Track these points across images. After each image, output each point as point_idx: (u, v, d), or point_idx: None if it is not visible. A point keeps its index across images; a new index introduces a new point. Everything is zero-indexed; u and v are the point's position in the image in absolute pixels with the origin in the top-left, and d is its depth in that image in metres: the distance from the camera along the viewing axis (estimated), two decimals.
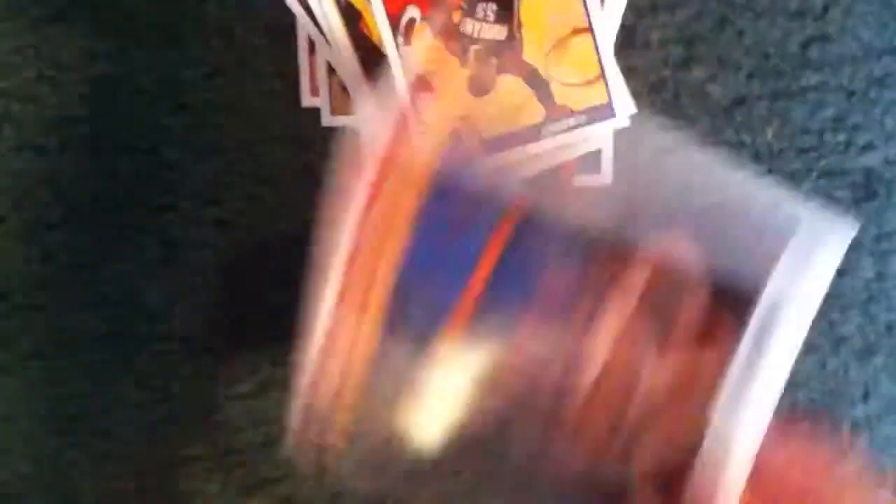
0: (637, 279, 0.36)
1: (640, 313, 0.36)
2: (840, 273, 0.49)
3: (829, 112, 0.49)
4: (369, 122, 0.46)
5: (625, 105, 0.48)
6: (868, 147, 0.49)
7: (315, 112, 0.49)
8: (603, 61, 0.48)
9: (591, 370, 0.36)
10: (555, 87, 0.48)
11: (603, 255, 0.38)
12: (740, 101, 0.49)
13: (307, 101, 0.48)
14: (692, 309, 0.36)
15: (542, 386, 0.37)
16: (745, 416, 0.33)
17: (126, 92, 0.50)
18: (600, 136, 0.48)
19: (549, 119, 0.48)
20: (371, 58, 0.47)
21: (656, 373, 0.35)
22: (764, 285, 0.34)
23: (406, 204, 0.37)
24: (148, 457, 0.53)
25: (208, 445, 0.52)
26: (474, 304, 0.37)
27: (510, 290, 0.37)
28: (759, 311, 0.34)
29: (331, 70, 0.48)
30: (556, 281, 0.37)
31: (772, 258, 0.35)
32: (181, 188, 0.51)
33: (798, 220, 0.37)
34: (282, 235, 0.51)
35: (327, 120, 0.48)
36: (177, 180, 0.51)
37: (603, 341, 0.36)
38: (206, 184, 0.50)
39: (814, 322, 0.49)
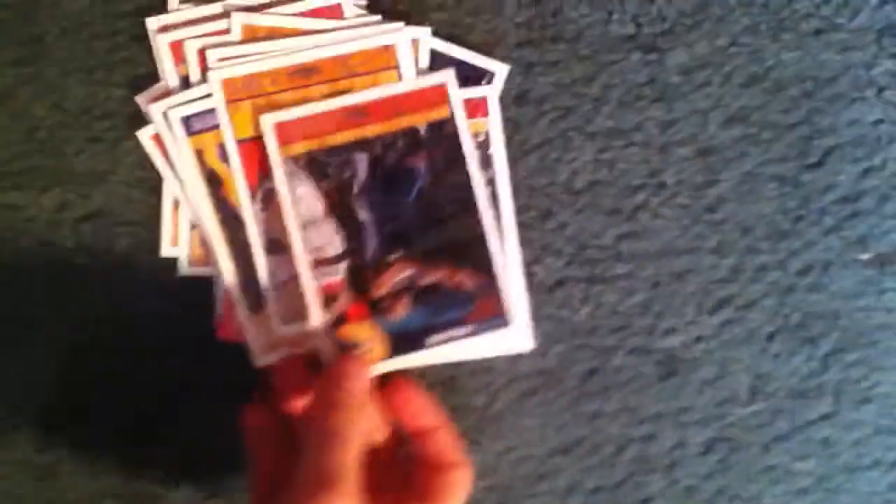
0: None
1: None
2: (646, 440, 0.55)
3: (638, 298, 0.54)
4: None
5: None
6: (670, 331, 0.55)
7: (173, 261, 0.52)
8: None
9: None
10: None
11: None
12: (560, 283, 0.54)
13: (167, 251, 0.52)
14: None
15: None
16: None
17: None
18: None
19: None
20: (230, 219, 0.50)
21: None
22: None
23: None
24: None
25: None
26: None
27: None
28: None
29: (192, 225, 0.51)
30: None
31: None
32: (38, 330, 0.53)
33: None
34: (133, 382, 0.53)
35: (184, 269, 0.52)
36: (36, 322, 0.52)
37: None
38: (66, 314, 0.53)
39: (620, 485, 0.54)
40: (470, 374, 0.54)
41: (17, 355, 0.52)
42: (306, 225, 0.50)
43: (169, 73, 0.51)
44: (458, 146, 0.51)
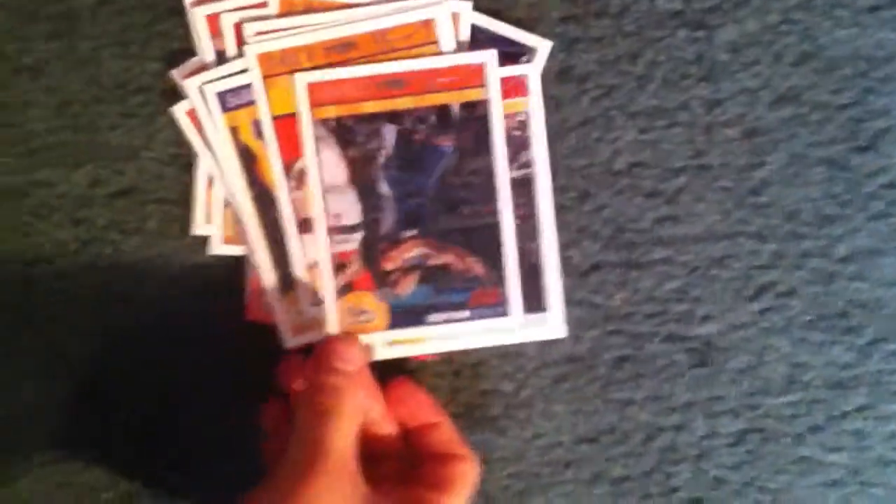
0: None
1: None
2: (676, 429, 0.54)
3: (674, 284, 0.53)
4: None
5: None
6: (707, 318, 0.53)
7: (206, 239, 0.51)
8: None
9: None
10: None
11: None
12: (596, 267, 0.53)
13: (199, 229, 0.51)
14: None
15: None
16: None
17: (26, 205, 0.52)
18: None
19: None
20: (263, 197, 0.50)
21: None
22: None
23: None
24: None
25: None
26: None
27: None
28: None
29: (226, 203, 0.51)
30: None
31: None
32: (70, 301, 0.52)
33: None
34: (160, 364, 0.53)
35: (217, 248, 0.51)
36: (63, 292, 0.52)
37: None
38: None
39: (648, 474, 0.54)
40: (499, 358, 0.53)
41: (44, 333, 0.52)
42: (328, 190, 0.50)
43: (205, 47, 0.50)
44: (488, 131, 0.50)
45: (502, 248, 0.50)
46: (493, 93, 0.50)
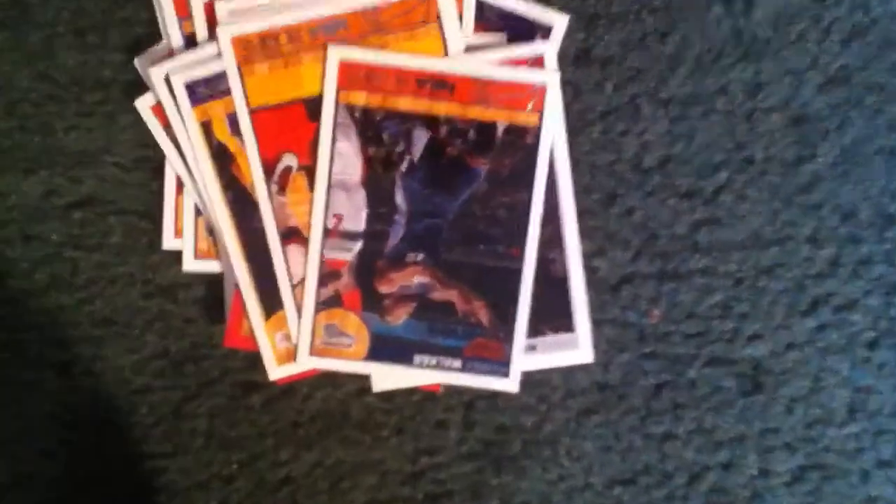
0: None
1: None
2: (724, 467, 0.47)
3: (717, 298, 0.48)
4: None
5: None
6: (755, 337, 0.49)
7: (177, 255, 0.47)
8: None
9: None
10: None
11: None
12: (627, 280, 0.48)
13: (169, 242, 0.47)
14: None
15: None
16: None
17: None
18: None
19: None
20: (241, 202, 0.45)
21: None
22: None
23: None
24: None
25: None
26: None
27: None
28: None
29: (198, 212, 0.46)
30: None
31: None
32: (22, 325, 0.48)
33: None
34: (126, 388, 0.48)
35: (189, 264, 0.46)
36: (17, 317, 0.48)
37: None
38: (51, 323, 0.48)
39: None
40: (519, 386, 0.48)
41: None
42: (335, 185, 0.45)
43: (172, 30, 0.46)
44: (533, 165, 0.46)
45: (518, 300, 0.46)
46: (550, 122, 0.45)
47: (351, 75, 0.45)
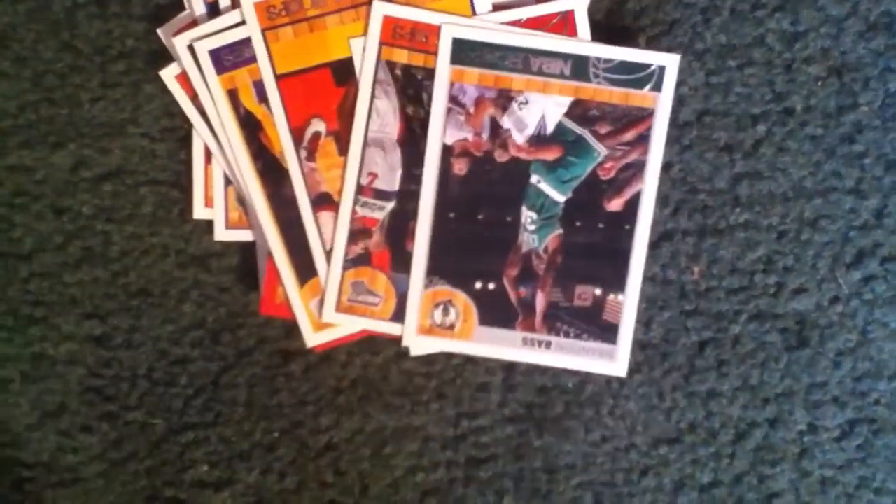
0: None
1: None
2: (772, 424, 0.46)
3: (760, 252, 0.47)
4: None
5: None
6: (800, 291, 0.47)
7: (208, 224, 0.46)
8: None
9: None
10: None
11: None
12: (667, 237, 0.47)
13: (200, 212, 0.46)
14: None
15: None
16: None
17: (0, 195, 0.47)
18: None
19: None
20: (271, 170, 0.44)
21: None
22: None
23: None
24: None
25: None
26: None
27: None
28: None
29: (227, 181, 0.45)
30: None
31: None
32: (55, 299, 0.47)
33: None
34: (165, 359, 0.47)
35: (220, 234, 0.45)
36: (52, 291, 0.47)
37: None
38: (84, 296, 0.47)
39: (741, 479, 0.46)
40: None
41: (29, 351, 0.47)
42: (372, 143, 0.44)
43: None
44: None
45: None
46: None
47: (395, 32, 0.44)
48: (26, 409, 0.47)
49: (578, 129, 0.44)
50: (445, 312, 0.44)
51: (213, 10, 0.45)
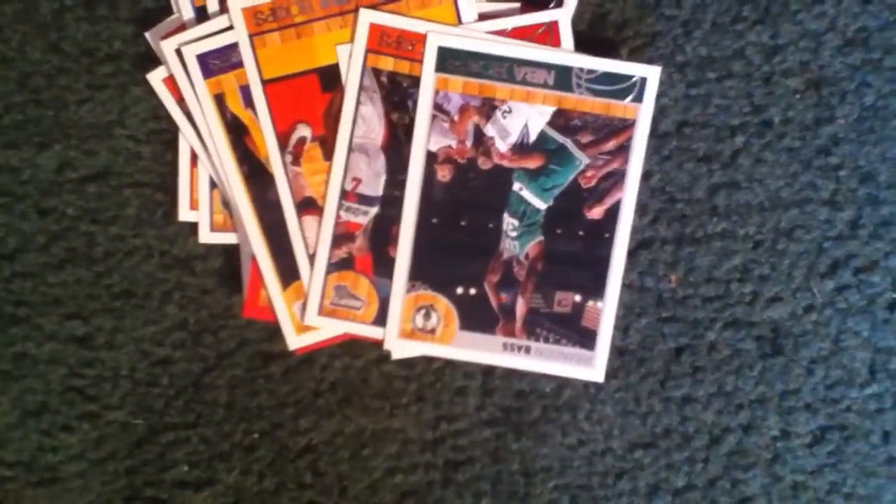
0: None
1: None
2: (745, 429, 0.47)
3: (736, 261, 0.48)
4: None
5: None
6: (775, 299, 0.48)
7: (192, 227, 0.46)
8: None
9: None
10: None
11: None
12: (645, 245, 0.47)
13: (185, 214, 0.46)
14: None
15: None
16: None
17: None
18: None
19: None
20: (256, 174, 0.44)
21: None
22: None
23: None
24: None
25: None
26: None
27: None
28: None
29: (213, 184, 0.46)
30: None
31: None
32: (38, 299, 0.47)
33: None
34: (147, 360, 0.48)
35: (205, 236, 0.46)
36: (36, 291, 0.47)
37: None
38: (67, 296, 0.47)
39: (715, 483, 0.47)
40: None
41: (11, 351, 0.47)
42: (357, 149, 0.45)
43: (182, 3, 0.45)
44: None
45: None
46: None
47: (381, 39, 0.45)
48: (7, 408, 0.47)
49: (561, 139, 0.45)
50: (427, 317, 0.45)
51: (202, 15, 0.45)
